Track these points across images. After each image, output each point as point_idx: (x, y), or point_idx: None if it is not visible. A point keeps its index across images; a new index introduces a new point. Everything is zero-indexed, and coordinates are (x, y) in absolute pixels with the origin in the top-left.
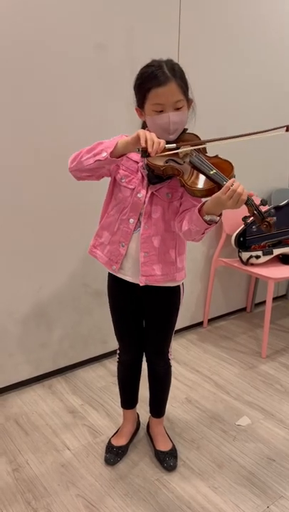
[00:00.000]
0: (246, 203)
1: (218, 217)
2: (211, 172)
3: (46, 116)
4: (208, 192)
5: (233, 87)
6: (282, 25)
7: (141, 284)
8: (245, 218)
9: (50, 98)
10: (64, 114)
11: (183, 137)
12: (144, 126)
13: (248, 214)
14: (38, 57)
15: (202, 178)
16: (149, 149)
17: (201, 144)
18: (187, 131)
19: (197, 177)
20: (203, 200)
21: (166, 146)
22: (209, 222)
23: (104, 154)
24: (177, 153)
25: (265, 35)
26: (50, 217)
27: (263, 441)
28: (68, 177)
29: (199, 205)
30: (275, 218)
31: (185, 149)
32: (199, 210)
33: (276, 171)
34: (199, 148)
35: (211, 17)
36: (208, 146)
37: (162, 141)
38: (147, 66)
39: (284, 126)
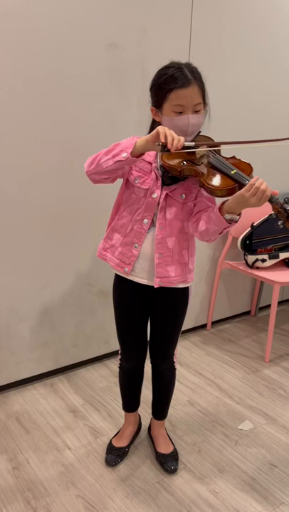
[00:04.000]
0: (270, 201)
1: (238, 216)
2: (232, 172)
3: (56, 114)
4: (229, 191)
5: (246, 88)
6: None
7: (155, 286)
8: (271, 216)
9: (61, 96)
10: (74, 113)
11: (197, 139)
12: (152, 125)
13: (272, 212)
14: (49, 54)
15: (222, 177)
16: (169, 145)
17: (217, 146)
18: (201, 134)
19: (217, 177)
20: (223, 199)
21: (185, 143)
22: (229, 221)
23: (124, 155)
24: (194, 154)
25: (281, 35)
26: (56, 217)
27: (265, 447)
28: (75, 176)
29: (219, 204)
30: None
31: (203, 149)
32: (219, 209)
33: (284, 174)
34: (215, 150)
35: (223, 17)
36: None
37: (182, 138)
38: (166, 67)
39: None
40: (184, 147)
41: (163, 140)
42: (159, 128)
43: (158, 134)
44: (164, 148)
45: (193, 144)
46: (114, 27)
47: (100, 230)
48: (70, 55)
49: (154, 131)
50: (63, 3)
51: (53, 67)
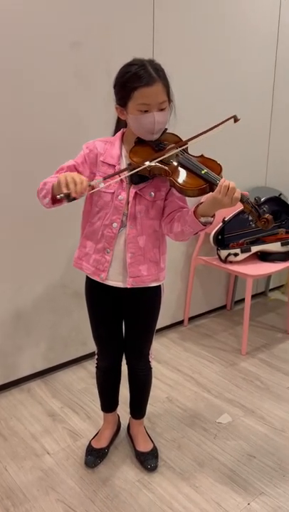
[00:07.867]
0: (242, 201)
1: (212, 218)
2: (203, 171)
3: (20, 115)
4: (200, 191)
5: (207, 86)
6: (258, 24)
7: (128, 286)
8: (243, 215)
9: (25, 95)
10: (39, 114)
11: (164, 137)
12: (118, 124)
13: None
14: (13, 53)
15: (192, 177)
16: (73, 194)
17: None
18: (167, 131)
19: (188, 177)
20: (194, 199)
21: (92, 182)
22: (204, 224)
23: (47, 201)
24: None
25: (241, 34)
26: (28, 218)
27: (244, 438)
28: (41, 178)
29: (194, 207)
30: (271, 216)
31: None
32: (194, 212)
33: (254, 169)
34: (183, 148)
35: (185, 16)
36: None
37: (84, 180)
38: (130, 65)
39: (232, 117)
40: (91, 187)
41: (65, 190)
42: (60, 177)
43: (59, 184)
44: (69, 197)
45: (101, 179)
46: (77, 25)
47: (71, 230)
48: (34, 53)
49: (57, 180)
50: (26, 2)
51: (15, 66)
